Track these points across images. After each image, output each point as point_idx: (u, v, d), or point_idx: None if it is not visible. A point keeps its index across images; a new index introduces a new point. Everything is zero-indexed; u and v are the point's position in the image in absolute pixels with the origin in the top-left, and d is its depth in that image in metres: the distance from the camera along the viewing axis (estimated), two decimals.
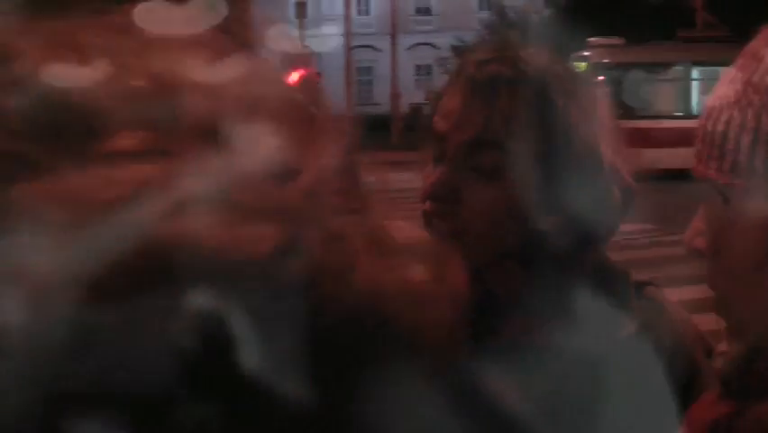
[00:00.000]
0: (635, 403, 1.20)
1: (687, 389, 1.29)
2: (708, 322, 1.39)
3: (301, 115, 0.46)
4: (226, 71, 0.45)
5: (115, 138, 0.41)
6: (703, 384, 1.32)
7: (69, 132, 0.41)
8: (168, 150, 0.41)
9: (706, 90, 20.34)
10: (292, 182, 0.43)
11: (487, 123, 1.22)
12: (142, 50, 0.44)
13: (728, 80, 1.01)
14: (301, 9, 29.10)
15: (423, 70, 47.62)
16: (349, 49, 30.81)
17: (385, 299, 0.42)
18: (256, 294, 0.39)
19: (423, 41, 48.36)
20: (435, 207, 1.24)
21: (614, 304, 1.30)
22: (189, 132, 0.42)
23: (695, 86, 20.03)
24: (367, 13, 49.12)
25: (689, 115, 18.79)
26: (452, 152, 1.24)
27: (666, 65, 19.91)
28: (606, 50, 19.21)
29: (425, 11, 50.09)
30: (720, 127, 0.98)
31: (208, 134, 0.42)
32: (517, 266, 1.24)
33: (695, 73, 20.04)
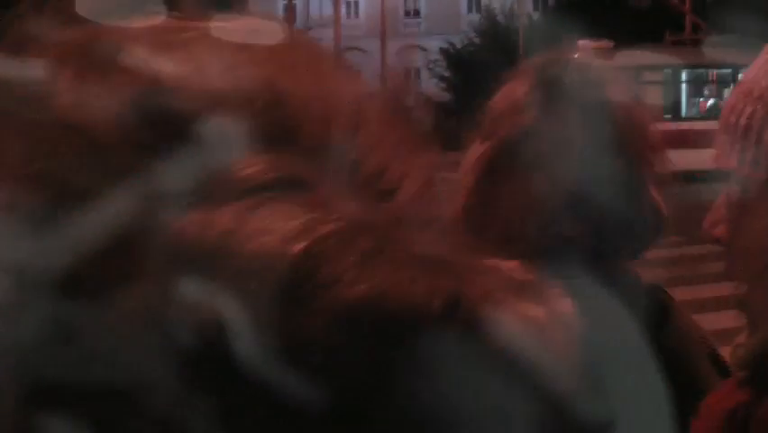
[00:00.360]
0: (634, 404, 1.21)
1: (687, 391, 1.31)
2: (708, 321, 1.42)
3: (401, 117, 0.45)
4: (331, 81, 0.43)
5: (245, 160, 0.39)
6: (704, 387, 1.33)
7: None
8: (295, 176, 0.39)
9: (694, 93, 20.39)
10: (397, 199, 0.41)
11: (542, 115, 1.27)
12: (251, 62, 0.42)
13: (752, 76, 1.04)
14: (290, 12, 29.09)
15: (412, 73, 47.62)
16: (338, 51, 30.70)
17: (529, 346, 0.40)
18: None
19: (411, 43, 48.30)
20: (476, 200, 1.27)
21: (625, 305, 1.33)
22: (313, 153, 0.40)
23: (684, 88, 20.06)
24: (356, 15, 49.05)
25: (678, 118, 18.83)
26: (499, 135, 1.28)
27: (655, 68, 19.94)
28: (594, 53, 19.23)
29: (414, 13, 50.06)
30: (743, 121, 1.02)
31: (327, 155, 0.41)
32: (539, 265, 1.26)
33: (684, 76, 20.08)
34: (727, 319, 1.43)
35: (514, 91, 1.32)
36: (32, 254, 0.38)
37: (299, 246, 0.37)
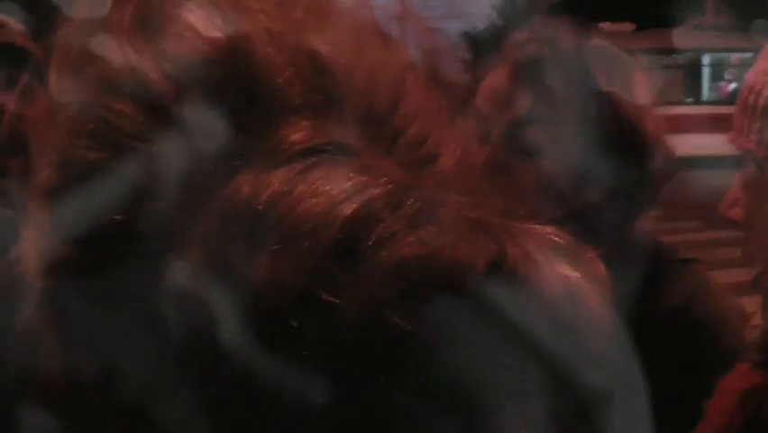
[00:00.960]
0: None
1: (729, 364, 1.32)
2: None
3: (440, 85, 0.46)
4: (374, 50, 0.44)
5: (293, 126, 0.40)
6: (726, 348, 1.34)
7: (250, 109, 0.40)
8: (341, 141, 0.40)
9: (716, 77, 20.26)
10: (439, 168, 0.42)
11: (530, 102, 1.27)
12: (315, 27, 0.43)
13: None
14: None
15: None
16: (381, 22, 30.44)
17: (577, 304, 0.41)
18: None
19: (431, 26, 47.97)
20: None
21: (654, 278, 1.33)
22: (357, 119, 0.41)
23: (705, 72, 19.95)
24: None
25: (699, 102, 18.73)
26: (496, 132, 1.28)
27: (677, 51, 19.82)
28: (615, 36, 19.12)
29: None
30: (762, 102, 1.02)
31: (371, 121, 0.42)
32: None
33: (705, 60, 19.96)
34: (746, 305, 1.44)
35: (495, 84, 1.32)
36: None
37: (350, 208, 0.38)
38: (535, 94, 1.28)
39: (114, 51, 0.42)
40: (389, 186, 0.39)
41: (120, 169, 0.39)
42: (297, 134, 0.40)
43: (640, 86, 1.36)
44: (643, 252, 1.34)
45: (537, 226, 0.43)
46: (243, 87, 0.41)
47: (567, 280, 0.41)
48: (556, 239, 0.43)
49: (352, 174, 0.39)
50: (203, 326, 0.37)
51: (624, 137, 1.29)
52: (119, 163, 0.39)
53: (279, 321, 0.37)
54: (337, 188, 0.39)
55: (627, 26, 19.80)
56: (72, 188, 0.40)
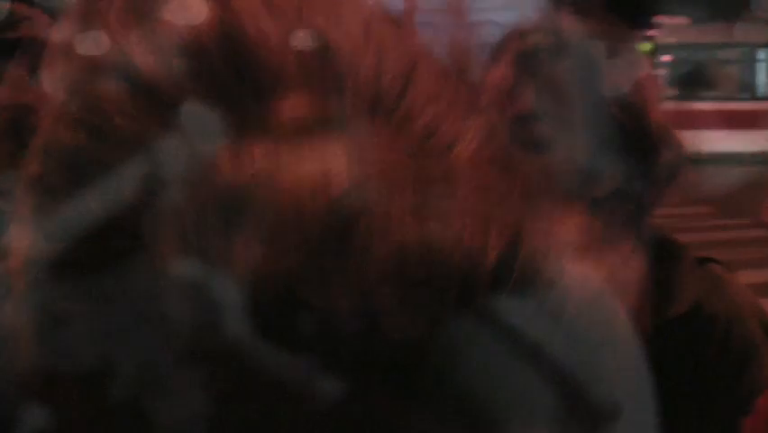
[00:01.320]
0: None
1: (743, 364, 1.31)
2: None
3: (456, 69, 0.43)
4: (383, 35, 0.41)
5: (286, 101, 0.37)
6: (761, 360, 1.35)
7: (241, 85, 0.38)
8: (340, 120, 0.37)
9: None
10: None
11: (533, 94, 1.26)
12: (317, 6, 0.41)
13: None
14: None
15: (485, 49, 47.15)
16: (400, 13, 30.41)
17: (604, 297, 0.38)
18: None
19: (485, 18, 47.86)
20: None
21: (667, 277, 1.32)
22: (360, 101, 0.38)
23: (761, 67, 19.72)
24: None
25: (754, 98, 18.52)
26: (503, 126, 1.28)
27: (732, 46, 19.61)
28: (671, 30, 18.97)
29: None
30: None
31: (376, 106, 0.39)
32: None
33: (761, 55, 19.74)
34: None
35: (499, 76, 1.28)
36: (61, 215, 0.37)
37: (340, 187, 0.35)
38: (539, 87, 1.27)
39: (102, 35, 0.40)
40: (390, 170, 0.36)
41: (107, 157, 0.37)
42: (290, 109, 0.37)
43: (645, 80, 1.35)
44: (653, 250, 1.33)
45: (560, 218, 0.39)
46: (233, 62, 0.38)
47: (587, 284, 0.37)
48: (581, 233, 0.39)
49: (347, 151, 0.36)
50: (191, 321, 0.34)
51: (629, 131, 1.28)
52: (107, 151, 0.37)
53: (261, 318, 0.34)
54: (328, 165, 0.35)
55: (683, 20, 19.62)
56: (59, 177, 0.38)
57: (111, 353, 0.35)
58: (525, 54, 1.28)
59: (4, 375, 0.37)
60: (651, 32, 18.21)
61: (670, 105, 1.35)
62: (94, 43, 0.40)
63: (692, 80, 17.46)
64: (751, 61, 19.72)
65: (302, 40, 0.39)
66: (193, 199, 0.35)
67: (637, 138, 1.28)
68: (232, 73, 0.38)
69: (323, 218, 0.34)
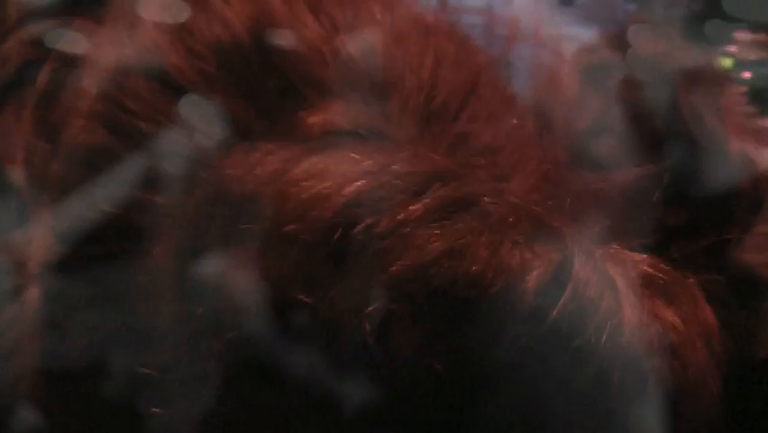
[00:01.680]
0: None
1: None
2: None
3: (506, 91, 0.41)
4: (441, 50, 0.39)
5: (319, 108, 0.35)
6: None
7: (273, 91, 0.36)
8: (378, 132, 0.35)
9: None
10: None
11: (601, 110, 1.34)
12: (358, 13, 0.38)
13: None
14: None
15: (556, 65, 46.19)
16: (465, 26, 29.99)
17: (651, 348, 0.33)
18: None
19: (565, 33, 47.19)
20: None
21: (753, 316, 1.38)
22: (407, 115, 0.36)
23: None
24: (510, 3, 48.31)
25: None
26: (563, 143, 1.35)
27: None
28: (754, 46, 18.67)
29: (567, 1, 48.99)
30: None
31: (427, 121, 0.36)
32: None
33: None
34: None
35: (560, 93, 1.35)
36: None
37: (353, 189, 0.32)
38: (605, 103, 1.33)
39: (132, 34, 0.38)
40: (414, 169, 0.33)
41: (128, 155, 0.36)
42: (318, 117, 0.35)
43: (729, 99, 1.42)
44: (739, 288, 1.32)
45: (622, 249, 0.35)
46: (267, 65, 0.36)
47: (658, 326, 0.33)
48: (649, 268, 0.35)
49: (371, 156, 0.33)
50: (194, 321, 0.33)
51: (702, 149, 1.33)
52: (131, 151, 0.36)
53: (264, 320, 0.32)
54: (344, 169, 0.33)
55: (764, 36, 19.28)
56: (80, 176, 0.36)
57: (111, 353, 0.34)
58: (594, 70, 1.38)
59: (5, 375, 0.36)
60: (731, 48, 17.98)
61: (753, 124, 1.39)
62: (124, 42, 0.38)
63: None
64: None
65: (347, 46, 0.37)
66: (203, 200, 0.33)
67: (714, 157, 1.31)
68: (265, 77, 0.36)
69: (329, 227, 0.32)
